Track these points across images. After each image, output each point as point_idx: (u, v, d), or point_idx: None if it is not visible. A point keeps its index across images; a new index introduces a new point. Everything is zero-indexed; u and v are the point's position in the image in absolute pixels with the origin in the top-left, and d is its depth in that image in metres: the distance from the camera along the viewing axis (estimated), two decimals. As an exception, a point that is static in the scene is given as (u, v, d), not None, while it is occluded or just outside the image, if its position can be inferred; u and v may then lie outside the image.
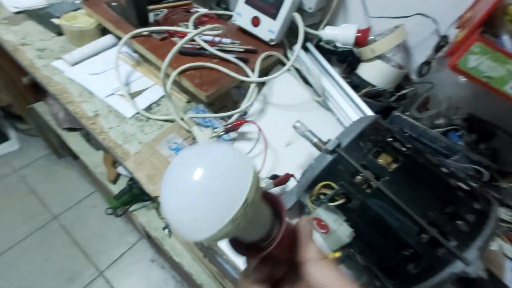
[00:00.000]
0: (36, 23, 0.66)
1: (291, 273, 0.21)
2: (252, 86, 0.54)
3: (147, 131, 0.51)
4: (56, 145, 1.30)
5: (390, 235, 0.30)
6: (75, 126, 1.04)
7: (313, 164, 0.35)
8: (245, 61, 0.57)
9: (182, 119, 0.51)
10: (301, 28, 0.55)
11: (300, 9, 0.61)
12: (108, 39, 0.63)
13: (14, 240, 1.14)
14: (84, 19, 0.62)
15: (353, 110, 0.53)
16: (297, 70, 0.62)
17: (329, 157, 0.33)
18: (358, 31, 0.56)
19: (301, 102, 0.60)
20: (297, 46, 0.55)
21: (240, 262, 0.39)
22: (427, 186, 0.31)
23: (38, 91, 1.05)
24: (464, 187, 0.31)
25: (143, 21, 0.59)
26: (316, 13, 0.63)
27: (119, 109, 0.53)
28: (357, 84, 0.57)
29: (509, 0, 0.39)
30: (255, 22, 0.61)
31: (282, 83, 0.62)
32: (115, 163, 0.99)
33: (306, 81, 0.62)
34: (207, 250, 0.42)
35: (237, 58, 0.56)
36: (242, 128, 0.52)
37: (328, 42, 0.61)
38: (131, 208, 0.88)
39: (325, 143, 0.39)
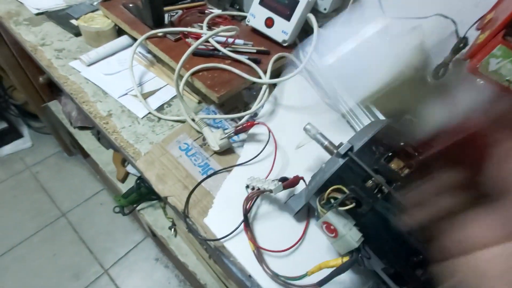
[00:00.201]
0: (55, 24, 0.70)
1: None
2: (264, 87, 0.56)
3: (158, 131, 0.53)
4: (67, 143, 1.36)
5: (400, 241, 0.31)
6: (87, 125, 1.09)
7: (324, 168, 0.36)
8: (257, 62, 0.58)
9: (193, 120, 0.53)
10: (316, 30, 0.56)
11: (314, 10, 0.62)
12: (123, 40, 0.66)
13: (24, 235, 1.20)
14: (101, 20, 0.66)
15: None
16: (309, 72, 0.64)
17: (341, 161, 0.34)
18: (374, 33, 0.56)
19: (312, 104, 0.61)
20: (311, 49, 0.56)
21: (246, 263, 0.40)
22: (440, 193, 0.31)
23: (53, 90, 1.10)
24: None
25: (159, 22, 0.62)
26: (330, 13, 0.64)
27: (131, 109, 0.56)
28: (371, 87, 0.58)
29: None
30: (269, 23, 0.63)
31: (293, 85, 0.63)
32: (124, 162, 1.02)
33: (317, 83, 0.63)
34: (213, 251, 0.43)
35: (249, 59, 0.58)
36: (252, 130, 0.54)
37: (342, 44, 0.61)
38: (138, 207, 0.91)
39: (335, 146, 0.40)
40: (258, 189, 0.41)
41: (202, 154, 0.51)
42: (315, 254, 0.41)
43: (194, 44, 0.53)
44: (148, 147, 0.51)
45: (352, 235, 0.32)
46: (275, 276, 0.38)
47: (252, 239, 0.41)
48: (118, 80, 0.60)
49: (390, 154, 0.34)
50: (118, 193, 0.97)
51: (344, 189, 0.33)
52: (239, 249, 0.41)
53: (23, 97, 1.35)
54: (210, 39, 0.57)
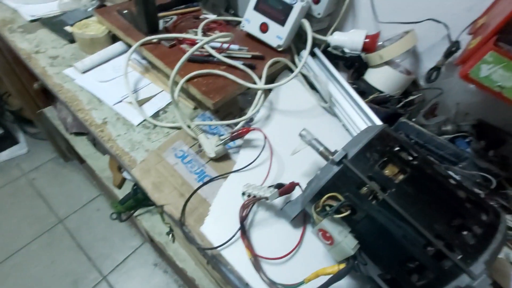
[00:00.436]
0: (49, 31, 0.70)
1: None
2: (259, 93, 0.56)
3: (153, 139, 0.53)
4: (63, 149, 1.35)
5: (395, 247, 0.31)
6: (83, 131, 1.08)
7: (319, 175, 0.36)
8: (252, 67, 0.59)
9: (188, 127, 0.53)
10: (310, 35, 0.57)
11: (308, 15, 0.62)
12: (118, 46, 0.66)
13: (22, 243, 1.19)
14: (95, 27, 0.66)
15: (359, 117, 0.54)
16: (304, 76, 0.64)
17: (336, 168, 0.34)
18: (367, 37, 0.57)
19: (307, 108, 0.61)
20: (305, 53, 0.56)
21: (244, 271, 0.40)
22: (434, 198, 0.32)
23: (48, 96, 1.10)
24: (473, 198, 0.31)
25: (153, 29, 0.62)
26: (324, 18, 0.64)
27: (127, 116, 0.56)
28: (364, 90, 0.58)
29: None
30: (264, 28, 0.63)
31: (289, 89, 0.63)
32: (120, 168, 1.02)
33: (312, 87, 0.63)
34: (210, 259, 0.43)
35: (244, 64, 0.58)
36: (248, 136, 0.54)
37: (336, 47, 0.62)
38: (136, 213, 0.90)
39: (331, 152, 0.40)
40: (254, 196, 0.41)
41: (198, 161, 0.51)
42: (312, 261, 0.41)
43: (189, 51, 0.53)
44: (143, 154, 0.51)
45: (347, 242, 0.32)
46: (272, 284, 0.38)
47: (249, 246, 0.41)
48: (113, 87, 0.60)
49: (384, 160, 0.34)
50: (115, 199, 0.96)
51: (339, 196, 0.33)
52: (236, 257, 0.41)
53: (18, 103, 1.34)
54: (205, 45, 0.58)
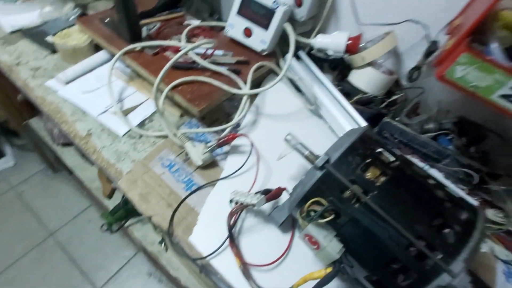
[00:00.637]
0: (30, 42, 0.70)
1: None
2: (244, 98, 0.56)
3: (139, 149, 0.53)
4: (51, 160, 1.34)
5: (379, 249, 0.32)
6: (70, 142, 1.07)
7: (304, 180, 0.37)
8: (237, 72, 0.59)
9: (174, 135, 0.53)
10: (292, 39, 0.57)
11: (291, 18, 0.63)
12: (101, 55, 0.66)
13: (12, 258, 1.17)
14: (77, 36, 0.66)
15: (344, 118, 0.55)
16: (290, 79, 0.65)
17: (319, 173, 0.35)
18: (349, 39, 0.58)
19: (294, 111, 0.62)
20: (289, 57, 0.57)
21: (233, 280, 0.40)
22: (414, 199, 0.32)
23: (33, 107, 1.08)
24: (451, 197, 0.32)
25: (136, 36, 0.62)
26: (307, 21, 0.65)
27: (112, 127, 0.55)
28: (349, 91, 0.59)
29: (501, 6, 0.40)
30: (247, 33, 0.64)
31: (275, 93, 0.64)
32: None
33: (298, 90, 0.64)
34: (201, 267, 0.44)
35: (229, 70, 0.59)
36: (235, 141, 0.54)
37: (320, 50, 0.63)
38: (127, 223, 0.90)
39: (316, 156, 0.41)
40: (242, 203, 0.42)
41: (186, 169, 0.51)
42: (302, 265, 0.42)
43: (173, 59, 0.53)
44: (130, 165, 0.51)
45: (333, 247, 0.33)
46: (262, 291, 0.38)
47: (238, 254, 0.41)
48: (97, 97, 0.60)
49: (366, 163, 0.35)
50: (105, 210, 0.96)
51: (323, 201, 0.34)
52: (226, 266, 0.41)
53: (3, 115, 1.32)
54: (189, 52, 0.58)
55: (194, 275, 0.76)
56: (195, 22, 0.72)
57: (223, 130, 0.55)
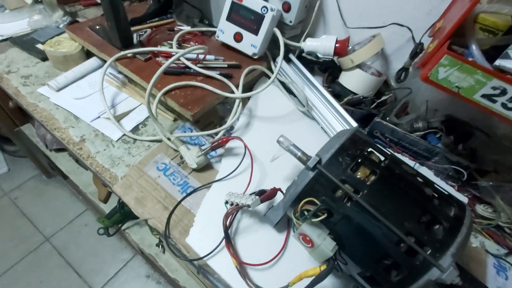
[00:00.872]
0: (20, 50, 0.68)
1: None
2: (237, 101, 0.56)
3: (134, 153, 0.52)
4: (45, 166, 1.30)
5: (371, 246, 0.32)
6: (63, 147, 1.05)
7: (296, 181, 0.37)
8: (229, 76, 0.59)
9: (169, 139, 0.52)
10: (282, 43, 0.57)
11: (281, 22, 0.63)
12: (92, 62, 0.65)
13: (8, 264, 1.14)
14: (68, 44, 0.64)
15: (335, 119, 0.55)
16: (281, 82, 0.65)
17: (311, 174, 0.35)
18: (337, 42, 0.58)
19: (286, 113, 0.62)
20: (279, 61, 0.57)
21: (230, 279, 0.40)
22: (404, 197, 0.33)
23: (24, 113, 1.05)
24: (439, 194, 0.33)
25: (127, 43, 0.61)
26: (296, 25, 0.65)
27: (105, 132, 0.54)
28: (339, 93, 0.60)
29: (478, 9, 0.41)
30: (238, 37, 0.63)
31: (267, 95, 0.64)
32: (106, 181, 0.99)
33: (290, 92, 0.64)
34: (198, 268, 0.43)
35: (221, 74, 0.58)
36: (229, 144, 0.54)
37: (310, 53, 0.63)
38: (124, 226, 0.88)
39: (308, 157, 0.41)
40: (237, 204, 0.41)
41: (181, 172, 0.51)
42: (297, 263, 0.42)
43: (164, 65, 0.52)
44: (125, 170, 0.50)
45: (326, 245, 0.33)
46: (258, 290, 0.38)
47: (234, 255, 0.41)
48: (89, 103, 0.58)
49: (356, 163, 0.35)
50: (101, 214, 0.94)
51: (316, 201, 0.34)
52: (222, 266, 0.41)
53: (-6, 122, 1.28)
54: (181, 57, 0.57)
55: (192, 276, 0.76)
56: (186, 28, 0.71)
57: (216, 133, 0.55)
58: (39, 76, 0.63)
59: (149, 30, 0.67)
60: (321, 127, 0.59)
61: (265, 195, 0.42)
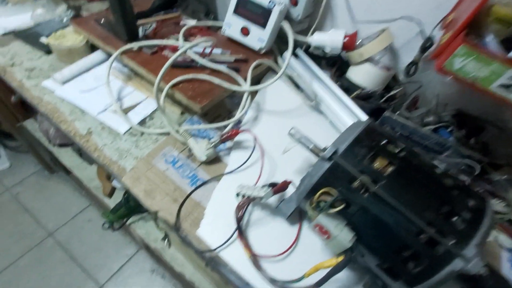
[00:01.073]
0: (24, 43, 0.65)
1: None
2: (245, 94, 0.54)
3: (142, 146, 0.50)
4: (47, 161, 1.27)
5: (390, 237, 0.31)
6: (67, 142, 1.02)
7: (311, 172, 0.35)
8: (236, 70, 0.57)
9: (177, 132, 0.51)
10: (291, 37, 0.56)
11: (288, 17, 0.61)
12: (97, 55, 0.62)
13: (9, 260, 1.11)
14: (72, 37, 0.61)
15: (345, 113, 0.54)
16: (289, 76, 0.63)
17: (327, 164, 0.34)
18: (346, 36, 0.57)
19: (294, 107, 0.60)
20: (288, 55, 0.55)
21: (243, 271, 0.38)
22: (422, 187, 0.31)
23: (27, 108, 1.02)
24: (459, 185, 0.32)
25: (133, 36, 0.59)
26: (304, 19, 0.63)
27: (112, 125, 0.52)
28: (347, 87, 0.58)
29: (492, 1, 0.40)
30: (245, 31, 0.61)
31: (274, 90, 0.62)
32: (109, 176, 0.97)
33: (297, 86, 0.62)
34: (209, 261, 0.42)
35: (228, 68, 0.56)
36: (238, 137, 0.52)
37: (317, 47, 0.61)
38: (129, 221, 0.86)
39: (321, 149, 0.40)
40: (249, 197, 0.40)
41: (189, 165, 0.49)
42: (310, 255, 0.40)
43: (173, 57, 0.50)
44: (133, 162, 0.48)
45: (344, 236, 0.32)
46: (273, 281, 0.37)
47: (247, 246, 0.39)
48: (95, 96, 0.56)
49: (373, 153, 0.34)
50: (106, 209, 0.92)
51: (333, 191, 0.33)
52: (235, 258, 0.39)
53: (-4, 118, 1.24)
54: (187, 51, 0.55)
55: (199, 270, 0.74)
56: (192, 22, 0.69)
57: (225, 127, 0.53)
58: (44, 69, 0.60)
59: (154, 24, 0.65)
60: (329, 121, 0.58)
61: (277, 187, 0.41)
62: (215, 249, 0.39)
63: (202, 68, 0.56)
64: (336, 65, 0.62)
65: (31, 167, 1.38)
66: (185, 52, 0.52)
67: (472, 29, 0.38)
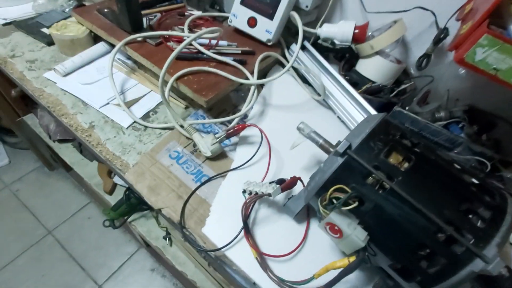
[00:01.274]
0: (25, 34, 0.65)
1: None
2: (252, 88, 0.54)
3: (145, 141, 0.50)
4: (47, 157, 1.28)
5: (405, 236, 0.30)
6: (68, 137, 1.02)
7: (323, 168, 0.35)
8: (243, 63, 0.56)
9: (181, 126, 0.50)
10: (300, 28, 0.55)
11: (296, 8, 0.60)
12: (100, 47, 0.62)
13: (8, 258, 1.12)
14: (75, 27, 0.61)
15: (354, 108, 0.53)
16: (295, 70, 0.62)
17: (340, 160, 0.33)
18: (356, 28, 0.56)
19: (301, 102, 0.60)
20: (297, 47, 0.55)
21: (250, 271, 0.38)
22: (440, 184, 0.31)
23: (27, 103, 1.03)
24: (479, 182, 0.31)
25: (137, 27, 0.58)
26: (312, 11, 0.63)
27: (115, 119, 0.52)
28: (357, 81, 0.57)
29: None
30: (252, 22, 0.61)
31: (281, 84, 0.62)
32: (111, 173, 0.97)
33: (304, 80, 0.62)
34: (213, 260, 0.41)
35: (234, 60, 0.56)
36: (244, 132, 0.52)
37: (326, 39, 0.61)
38: (130, 219, 0.86)
39: (331, 144, 0.39)
40: (256, 193, 0.39)
41: (194, 161, 0.49)
42: (319, 255, 0.40)
43: (178, 48, 0.50)
44: (136, 157, 0.48)
45: (357, 235, 0.31)
46: (281, 282, 0.36)
47: (254, 245, 0.39)
48: (98, 89, 0.56)
49: (388, 148, 0.33)
50: (106, 206, 0.92)
51: (346, 188, 0.32)
52: (241, 257, 0.39)
53: (-5, 113, 1.25)
54: (193, 42, 0.55)
55: (201, 269, 0.74)
56: (197, 13, 0.69)
57: (231, 121, 0.53)
58: (45, 60, 0.60)
59: (159, 15, 0.64)
60: (337, 116, 0.57)
61: (285, 183, 0.40)
62: (221, 248, 0.39)
63: (208, 61, 0.56)
64: (345, 58, 0.61)
65: (31, 163, 1.39)
66: (190, 43, 0.51)
67: (494, 18, 0.37)
